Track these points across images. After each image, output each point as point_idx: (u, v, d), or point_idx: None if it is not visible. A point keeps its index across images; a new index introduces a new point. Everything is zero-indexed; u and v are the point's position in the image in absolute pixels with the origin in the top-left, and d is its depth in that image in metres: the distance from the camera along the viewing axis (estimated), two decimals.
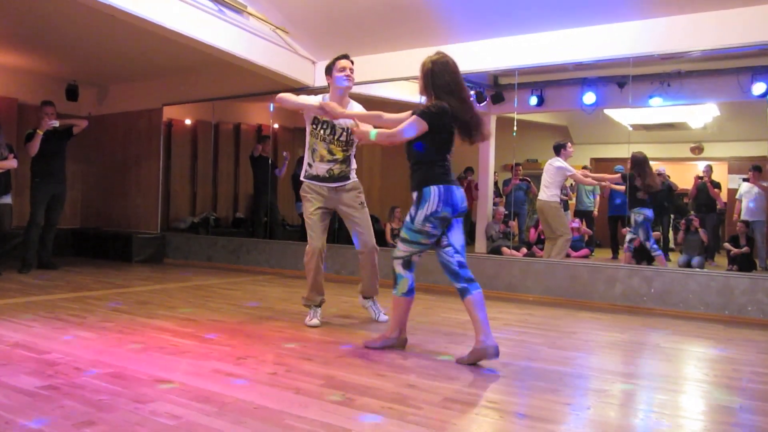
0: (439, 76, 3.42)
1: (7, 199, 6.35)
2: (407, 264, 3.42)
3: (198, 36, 5.80)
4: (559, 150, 6.97)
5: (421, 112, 3.36)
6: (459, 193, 3.34)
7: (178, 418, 2.20)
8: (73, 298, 5.00)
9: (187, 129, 9.75)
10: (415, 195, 3.37)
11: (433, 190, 3.27)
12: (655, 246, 6.72)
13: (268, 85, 7.25)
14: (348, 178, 4.28)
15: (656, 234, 8.54)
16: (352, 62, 4.26)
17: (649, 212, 6.73)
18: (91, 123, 7.79)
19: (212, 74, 8.24)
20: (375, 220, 9.46)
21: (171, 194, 9.42)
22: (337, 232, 8.00)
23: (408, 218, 3.37)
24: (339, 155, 4.21)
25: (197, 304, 4.97)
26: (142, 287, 5.88)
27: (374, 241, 4.33)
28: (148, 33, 5.85)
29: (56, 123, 6.66)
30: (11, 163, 6.34)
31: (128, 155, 9.36)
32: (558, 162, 6.89)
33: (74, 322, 3.97)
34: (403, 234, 3.39)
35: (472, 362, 3.19)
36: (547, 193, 6.85)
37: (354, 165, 4.37)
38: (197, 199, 9.81)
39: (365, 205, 4.32)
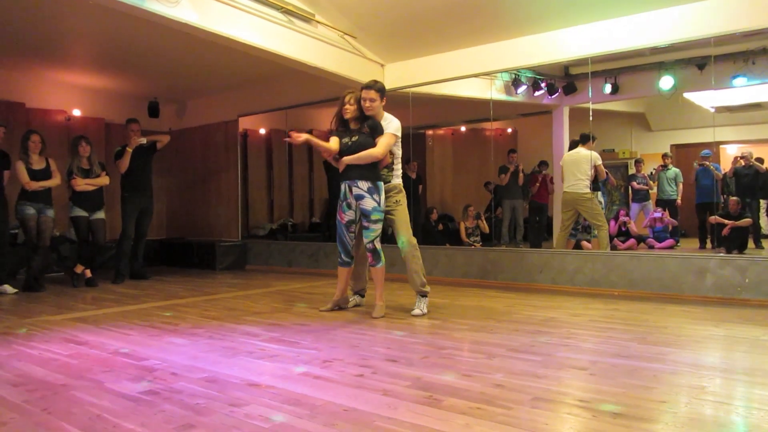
0: None
1: (101, 214, 6.72)
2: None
3: (269, 47, 5.95)
4: (585, 141, 6.92)
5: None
6: None
7: (271, 421, 2.27)
8: (165, 306, 5.23)
9: (262, 138, 10.03)
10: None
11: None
12: None
13: (338, 90, 7.34)
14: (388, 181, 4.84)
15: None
16: (373, 89, 4.64)
17: None
18: (172, 137, 8.13)
19: (284, 83, 8.43)
20: (449, 219, 9.54)
21: (249, 202, 9.71)
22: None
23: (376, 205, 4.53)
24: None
25: (281, 308, 5.10)
26: (227, 294, 6.08)
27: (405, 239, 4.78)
28: (221, 47, 6.06)
29: (144, 140, 7.02)
30: (105, 180, 6.72)
31: (208, 166, 9.71)
32: (583, 150, 6.86)
33: (168, 329, 4.15)
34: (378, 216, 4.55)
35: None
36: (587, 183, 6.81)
37: (396, 171, 4.88)
38: (274, 206, 10.07)
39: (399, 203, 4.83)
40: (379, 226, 4.59)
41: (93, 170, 6.64)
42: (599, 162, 6.87)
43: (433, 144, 11.02)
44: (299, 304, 5.31)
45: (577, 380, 2.84)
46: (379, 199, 4.56)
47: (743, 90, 7.62)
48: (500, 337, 3.80)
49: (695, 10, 5.48)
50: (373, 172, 4.57)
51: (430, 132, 10.89)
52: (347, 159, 4.54)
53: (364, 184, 4.53)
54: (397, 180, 4.83)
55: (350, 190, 4.58)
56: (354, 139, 4.57)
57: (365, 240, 4.63)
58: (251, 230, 9.63)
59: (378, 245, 4.61)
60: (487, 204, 9.21)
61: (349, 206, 4.63)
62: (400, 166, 4.87)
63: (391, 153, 4.74)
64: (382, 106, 4.72)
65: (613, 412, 2.34)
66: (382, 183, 4.63)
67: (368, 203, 4.53)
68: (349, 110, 4.64)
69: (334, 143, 4.61)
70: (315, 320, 4.49)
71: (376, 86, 4.66)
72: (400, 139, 4.78)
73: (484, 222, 8.71)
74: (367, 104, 4.61)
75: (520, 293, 5.92)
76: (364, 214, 4.57)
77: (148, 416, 2.35)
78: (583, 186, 6.71)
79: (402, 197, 4.80)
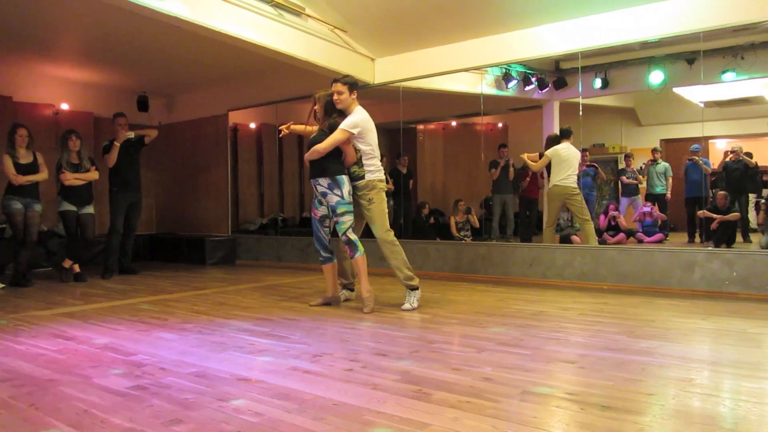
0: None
1: (90, 209, 6.67)
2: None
3: (259, 40, 5.92)
4: (569, 136, 6.90)
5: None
6: None
7: (260, 415, 2.27)
8: (154, 301, 5.21)
9: (252, 132, 9.99)
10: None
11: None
12: None
13: (328, 84, 7.34)
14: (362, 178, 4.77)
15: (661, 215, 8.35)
16: (342, 83, 4.70)
17: None
18: (161, 132, 8.08)
19: (274, 77, 8.39)
20: (440, 213, 9.55)
21: (240, 197, 9.67)
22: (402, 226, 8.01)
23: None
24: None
25: (271, 303, 5.09)
26: (217, 288, 6.06)
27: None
28: (211, 41, 6.02)
29: (132, 134, 6.98)
30: (94, 174, 6.68)
31: (198, 161, 9.66)
32: (573, 147, 6.85)
33: (157, 324, 4.14)
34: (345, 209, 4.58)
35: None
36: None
37: (367, 167, 4.75)
38: (265, 201, 10.04)
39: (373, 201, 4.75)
40: (348, 218, 4.61)
41: (82, 165, 6.60)
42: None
43: (424, 138, 11.02)
44: (289, 299, 5.30)
45: (565, 373, 2.86)
46: (341, 192, 4.58)
47: (732, 85, 7.67)
48: (490, 331, 3.81)
49: (685, 4, 5.49)
50: (331, 168, 4.59)
51: (421, 126, 10.88)
52: (305, 157, 4.68)
53: (324, 181, 4.59)
54: (371, 176, 4.72)
55: (316, 188, 4.66)
56: (316, 136, 4.67)
57: (339, 233, 4.65)
58: (241, 225, 9.60)
59: (352, 236, 4.62)
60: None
61: (320, 202, 4.71)
62: (373, 161, 4.73)
63: (357, 149, 4.69)
64: (353, 99, 4.71)
65: (602, 405, 2.35)
66: (343, 176, 4.61)
67: (332, 198, 4.59)
68: (318, 110, 4.75)
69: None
70: (305, 315, 4.49)
71: (344, 79, 4.70)
72: (368, 134, 4.67)
73: (475, 216, 8.73)
74: (335, 97, 4.67)
75: (510, 287, 5.94)
76: (332, 210, 4.64)
77: (136, 411, 2.34)
78: (573, 181, 6.73)
79: (375, 194, 4.70)
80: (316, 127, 4.80)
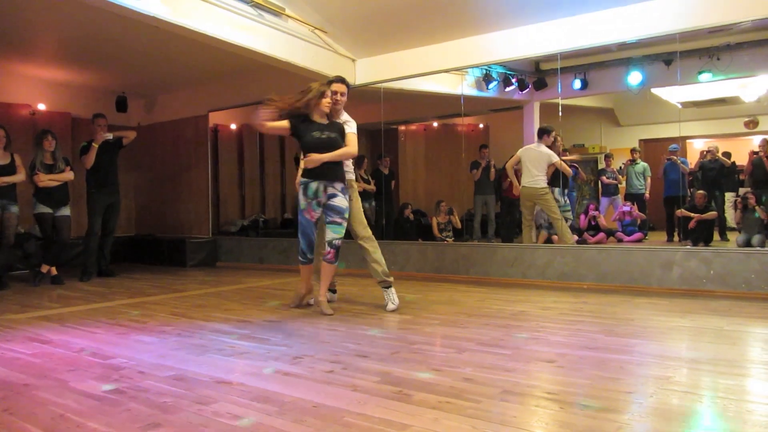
0: None
1: (66, 211, 6.58)
2: None
3: (239, 41, 5.89)
4: (542, 135, 6.86)
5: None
6: None
7: (240, 419, 2.25)
8: (133, 304, 5.15)
9: (232, 133, 9.93)
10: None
11: None
12: None
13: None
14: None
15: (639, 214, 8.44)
16: (344, 83, 4.73)
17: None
18: (141, 133, 7.99)
19: (255, 78, 8.34)
20: (422, 214, 9.56)
21: (220, 198, 9.61)
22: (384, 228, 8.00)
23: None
24: None
25: (252, 305, 5.06)
26: (198, 291, 6.01)
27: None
28: (191, 42, 5.98)
29: (110, 135, 6.90)
30: (69, 175, 6.59)
31: (178, 162, 9.57)
32: (543, 147, 6.79)
33: (135, 327, 4.09)
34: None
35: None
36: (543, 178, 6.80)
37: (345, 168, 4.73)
38: (246, 202, 9.98)
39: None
40: (346, 224, 4.59)
41: (57, 165, 6.51)
42: (555, 159, 6.79)
43: (406, 139, 11.03)
44: (270, 301, 5.27)
45: (545, 373, 2.87)
46: (348, 198, 4.60)
47: (709, 85, 7.77)
48: (470, 331, 3.82)
49: (661, 6, 5.55)
50: (344, 172, 4.62)
51: (402, 127, 10.89)
52: (328, 156, 4.43)
53: (338, 185, 4.53)
54: (348, 176, 4.79)
55: (324, 190, 4.50)
56: (331, 135, 4.51)
57: (335, 235, 4.49)
58: (222, 227, 9.53)
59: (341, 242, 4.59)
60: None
61: (319, 204, 4.53)
62: (350, 162, 4.85)
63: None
64: None
65: (581, 403, 2.36)
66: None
67: (343, 202, 4.52)
68: (326, 104, 4.52)
69: (286, 123, 4.59)
70: (285, 317, 4.47)
71: (346, 81, 4.72)
72: None
73: (456, 217, 8.75)
74: (338, 97, 4.62)
75: (491, 287, 5.96)
76: (337, 211, 4.49)
77: (113, 415, 2.31)
78: (540, 181, 6.71)
79: (353, 192, 4.79)
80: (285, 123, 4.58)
